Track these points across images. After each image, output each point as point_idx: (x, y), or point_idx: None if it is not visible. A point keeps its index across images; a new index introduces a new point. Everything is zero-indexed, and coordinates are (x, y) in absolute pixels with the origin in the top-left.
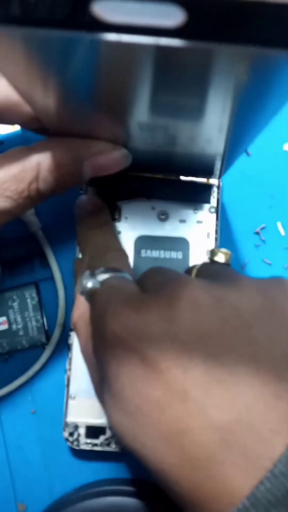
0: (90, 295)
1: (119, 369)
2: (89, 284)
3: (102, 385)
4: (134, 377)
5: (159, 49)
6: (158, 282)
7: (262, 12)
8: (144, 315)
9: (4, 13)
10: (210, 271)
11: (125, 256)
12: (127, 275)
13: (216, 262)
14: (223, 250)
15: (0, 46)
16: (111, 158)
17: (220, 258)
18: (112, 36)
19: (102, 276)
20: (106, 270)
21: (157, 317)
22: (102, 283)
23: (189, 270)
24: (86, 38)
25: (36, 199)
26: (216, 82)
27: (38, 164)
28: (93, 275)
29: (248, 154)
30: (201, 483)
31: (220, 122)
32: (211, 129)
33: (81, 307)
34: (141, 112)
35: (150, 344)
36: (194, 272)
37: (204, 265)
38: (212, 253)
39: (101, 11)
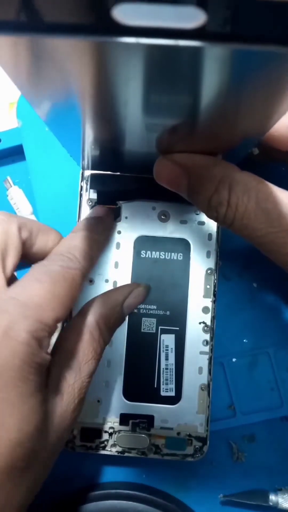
0: None
1: None
2: None
3: None
4: None
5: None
6: None
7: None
8: None
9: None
10: None
11: None
12: None
13: None
14: None
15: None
16: (141, 296)
17: None
18: (130, 40)
19: None
20: None
21: None
22: None
23: None
24: (105, 42)
25: None
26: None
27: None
28: None
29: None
30: None
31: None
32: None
33: None
34: (150, 113)
35: None
36: None
37: None
38: None
39: (120, 15)
